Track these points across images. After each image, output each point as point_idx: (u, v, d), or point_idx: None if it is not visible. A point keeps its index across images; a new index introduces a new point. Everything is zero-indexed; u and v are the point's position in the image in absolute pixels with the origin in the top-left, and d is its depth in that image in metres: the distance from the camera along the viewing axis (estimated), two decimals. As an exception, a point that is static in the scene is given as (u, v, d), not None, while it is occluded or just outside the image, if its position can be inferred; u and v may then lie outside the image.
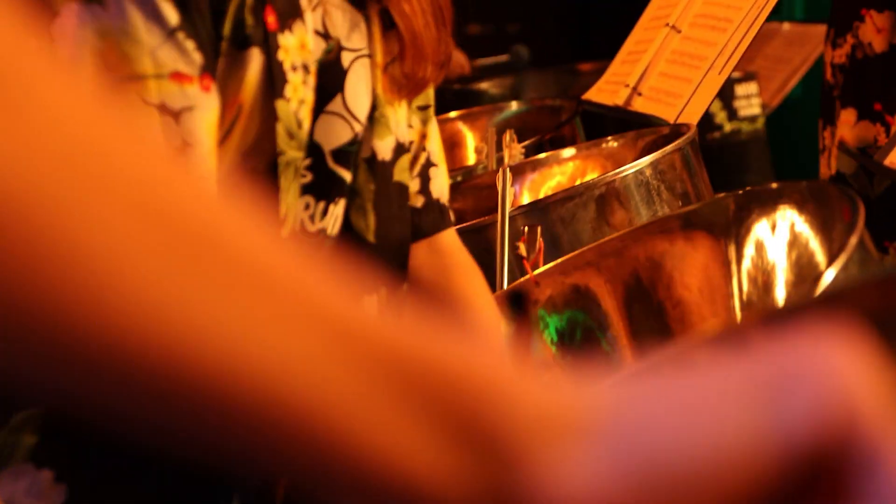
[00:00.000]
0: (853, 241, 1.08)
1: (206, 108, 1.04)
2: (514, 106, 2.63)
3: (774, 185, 1.27)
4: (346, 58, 1.19)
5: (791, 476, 0.42)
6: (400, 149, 1.26)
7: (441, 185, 1.38)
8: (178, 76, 1.02)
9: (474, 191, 2.18)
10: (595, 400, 0.43)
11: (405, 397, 0.41)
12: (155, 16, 1.01)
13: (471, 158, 2.58)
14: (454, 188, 1.71)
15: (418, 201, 1.36)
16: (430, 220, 1.37)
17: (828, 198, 1.22)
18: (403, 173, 1.27)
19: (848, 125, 2.10)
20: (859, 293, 0.71)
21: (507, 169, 1.76)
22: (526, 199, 2.12)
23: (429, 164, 1.37)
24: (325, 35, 1.16)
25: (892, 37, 2.06)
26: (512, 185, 1.78)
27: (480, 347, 0.42)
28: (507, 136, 2.12)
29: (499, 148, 2.14)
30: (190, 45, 1.03)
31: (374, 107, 1.22)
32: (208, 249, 0.39)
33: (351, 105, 1.19)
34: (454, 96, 3.31)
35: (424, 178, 1.36)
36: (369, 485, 0.41)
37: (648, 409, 0.43)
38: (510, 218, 1.73)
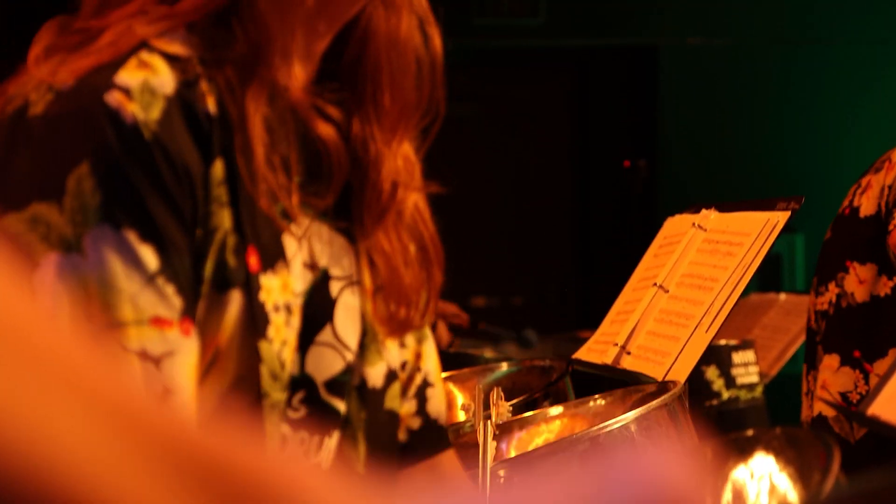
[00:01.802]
0: (828, 486, 1.06)
1: (186, 352, 1.04)
2: (504, 367, 2.62)
3: (750, 433, 1.25)
4: (334, 287, 1.18)
5: None
6: (391, 376, 1.25)
7: (439, 406, 1.36)
8: (158, 321, 1.02)
9: (462, 449, 2.14)
10: None
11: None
12: (134, 262, 1.01)
13: (460, 419, 2.55)
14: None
15: (415, 423, 1.33)
16: (428, 441, 1.34)
17: (804, 444, 1.20)
18: (394, 400, 1.25)
19: (831, 370, 2.11)
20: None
21: (488, 423, 1.74)
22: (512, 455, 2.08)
23: (425, 384, 1.35)
24: (312, 266, 1.17)
25: (873, 288, 2.10)
26: (499, 442, 1.76)
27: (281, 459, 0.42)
28: (494, 394, 2.10)
29: (486, 406, 2.11)
30: (170, 289, 1.03)
31: (364, 333, 1.21)
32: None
33: (341, 334, 1.18)
34: (448, 358, 3.31)
35: (421, 399, 1.34)
36: None
37: None
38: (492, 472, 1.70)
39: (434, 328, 3.86)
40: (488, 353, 3.61)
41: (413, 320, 1.26)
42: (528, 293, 6.46)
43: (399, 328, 1.25)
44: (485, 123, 6.37)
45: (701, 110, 6.22)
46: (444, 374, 2.67)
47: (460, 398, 2.62)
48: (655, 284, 2.24)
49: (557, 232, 6.47)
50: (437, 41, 1.24)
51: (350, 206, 1.21)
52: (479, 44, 6.30)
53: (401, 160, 1.23)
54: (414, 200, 1.26)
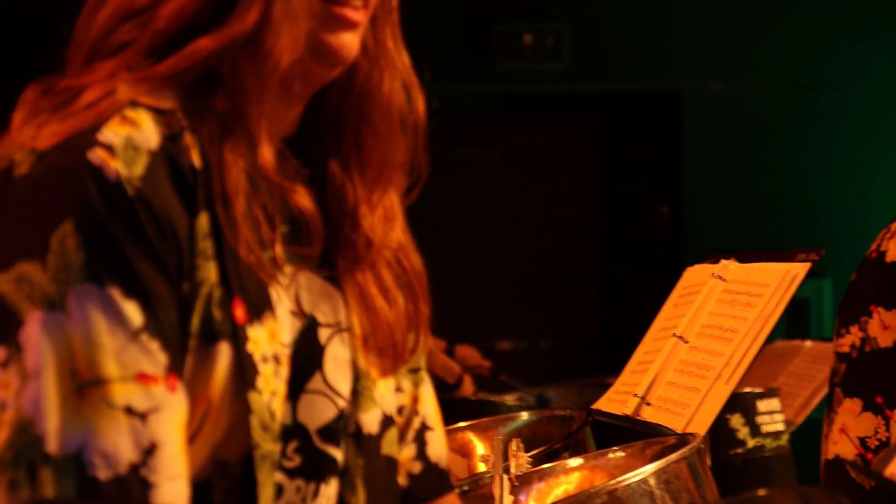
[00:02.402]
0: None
1: (173, 407, 1.04)
2: (524, 416, 2.62)
3: (763, 492, 1.23)
4: (322, 334, 1.18)
5: None
6: (387, 421, 1.25)
7: (439, 449, 1.35)
8: (143, 377, 1.03)
9: (481, 500, 2.13)
10: None
11: None
12: (118, 319, 1.02)
13: (479, 469, 2.55)
14: (461, 497, 1.68)
15: (415, 467, 1.33)
16: (429, 485, 1.33)
17: (818, 503, 1.19)
18: (392, 446, 1.25)
19: (852, 414, 2.10)
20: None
21: (505, 475, 1.73)
22: (530, 508, 2.07)
23: (424, 427, 1.34)
24: (300, 314, 1.16)
25: (897, 333, 2.08)
26: (518, 494, 1.75)
27: None
28: (514, 444, 2.09)
29: (505, 457, 2.10)
30: (154, 345, 1.03)
31: (357, 379, 1.21)
32: None
33: (332, 381, 1.18)
34: (468, 405, 3.30)
35: (420, 443, 1.33)
36: None
37: None
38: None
39: (460, 381, 3.85)
40: (509, 401, 3.60)
41: (402, 357, 1.26)
42: (554, 337, 6.45)
43: (388, 366, 1.25)
44: (509, 168, 6.37)
45: (725, 155, 6.21)
46: (464, 423, 2.67)
47: (480, 447, 2.61)
48: (675, 335, 2.23)
49: (582, 276, 6.45)
50: (420, 105, 1.24)
51: (332, 253, 1.22)
52: (502, 89, 6.31)
53: (381, 214, 1.23)
54: (395, 243, 1.25)
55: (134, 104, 1.08)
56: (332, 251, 1.22)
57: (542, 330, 6.45)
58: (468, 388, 3.78)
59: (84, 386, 1.00)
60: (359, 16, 1.16)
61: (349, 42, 1.16)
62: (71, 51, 1.14)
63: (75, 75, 1.11)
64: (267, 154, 1.11)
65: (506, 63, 6.06)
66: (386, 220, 1.23)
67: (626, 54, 6.15)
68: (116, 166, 1.03)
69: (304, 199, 1.14)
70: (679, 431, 2.07)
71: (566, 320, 6.43)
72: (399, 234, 1.25)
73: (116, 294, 1.02)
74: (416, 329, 1.27)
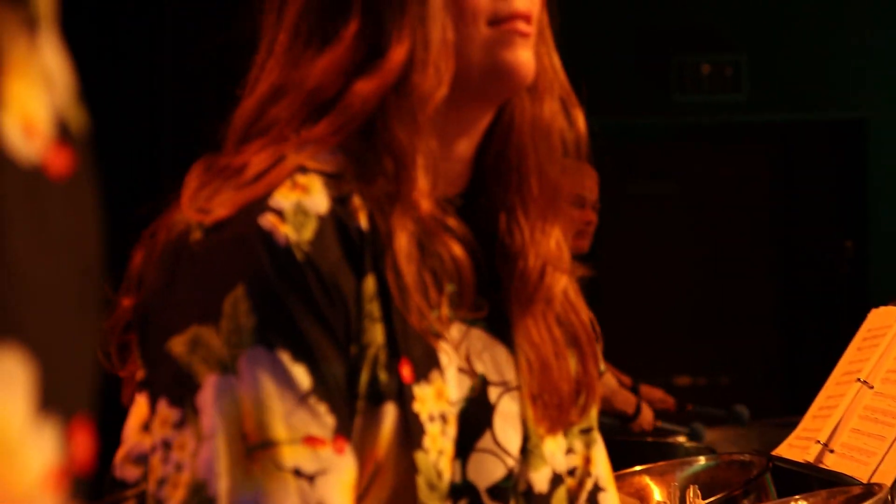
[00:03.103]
0: None
1: (340, 470, 1.05)
2: (702, 460, 2.57)
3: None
4: (492, 393, 1.18)
5: None
6: (557, 480, 1.23)
7: None
8: (311, 440, 1.04)
9: (657, 548, 2.09)
10: None
11: None
12: (287, 382, 1.03)
13: (656, 514, 2.50)
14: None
15: None
16: None
17: None
18: None
19: None
20: None
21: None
22: (708, 558, 2.03)
23: (597, 489, 1.32)
24: (469, 372, 1.16)
25: None
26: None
27: None
28: (691, 491, 2.05)
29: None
30: (322, 408, 1.05)
31: (526, 437, 1.20)
32: None
33: (501, 440, 1.17)
34: (644, 448, 3.26)
35: None
36: None
37: None
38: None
39: (639, 410, 3.80)
40: (686, 443, 3.54)
41: (569, 415, 1.24)
42: (733, 372, 6.32)
43: (555, 423, 1.23)
44: (687, 201, 6.29)
45: (913, 186, 6.01)
46: (640, 467, 2.63)
47: (656, 492, 2.57)
48: (859, 380, 2.16)
49: (761, 312, 6.31)
50: (581, 121, 1.23)
51: (503, 307, 1.21)
52: (680, 121, 6.24)
53: (552, 243, 1.21)
54: (563, 287, 1.23)
55: (303, 169, 1.10)
56: (504, 307, 1.21)
57: (721, 364, 6.33)
58: (648, 416, 3.73)
59: (254, 448, 1.02)
60: (529, 28, 1.16)
61: (526, 58, 1.15)
62: (227, 134, 1.17)
63: (232, 155, 1.13)
64: (425, 204, 1.11)
65: (683, 94, 5.99)
66: (556, 251, 1.22)
67: (807, 83, 6.01)
68: (286, 231, 1.05)
69: (456, 248, 1.14)
70: (864, 481, 2.01)
71: (746, 355, 6.30)
72: (567, 278, 1.24)
73: (285, 358, 1.03)
74: (586, 388, 1.25)
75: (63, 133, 0.54)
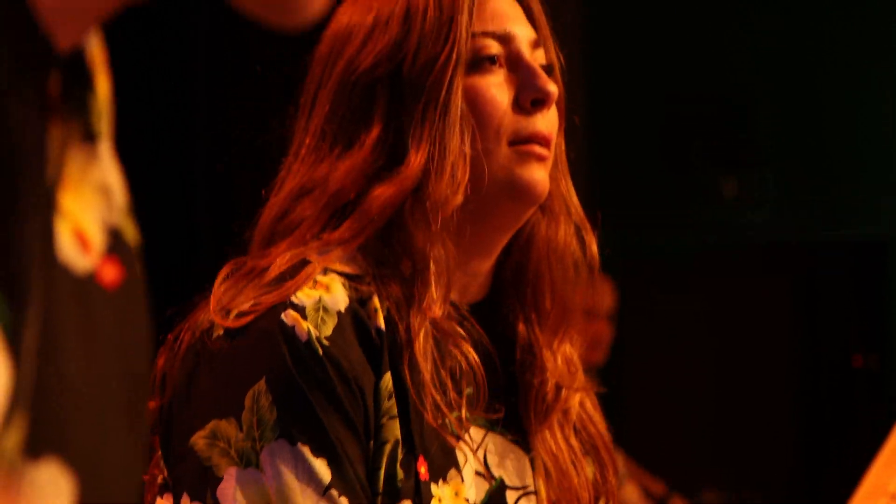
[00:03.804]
0: None
1: None
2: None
3: None
4: (510, 497, 1.19)
5: None
6: None
7: None
8: None
9: None
10: None
11: None
12: (309, 476, 1.05)
13: None
14: None
15: None
16: None
17: None
18: None
19: None
20: None
21: None
22: None
23: None
24: (487, 476, 1.17)
25: None
26: None
27: None
28: None
29: None
30: (343, 501, 1.06)
31: None
32: None
33: None
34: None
35: None
36: None
37: None
38: None
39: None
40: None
41: None
42: (757, 489, 6.25)
43: None
44: (708, 317, 6.28)
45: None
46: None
47: None
48: (888, 496, 2.14)
49: (786, 429, 6.26)
50: (594, 247, 1.26)
51: (519, 410, 1.23)
52: (700, 238, 6.25)
53: (563, 361, 1.24)
54: (579, 400, 1.26)
55: (325, 270, 1.13)
56: (522, 413, 1.23)
57: (745, 482, 6.27)
58: None
59: None
60: (547, 152, 1.20)
61: (541, 177, 1.19)
62: (253, 234, 1.20)
63: (258, 257, 1.16)
64: (436, 310, 1.13)
65: (705, 213, 6.00)
66: (569, 368, 1.25)
67: (828, 202, 6.02)
68: (307, 327, 1.08)
69: (470, 353, 1.16)
70: None
71: (769, 470, 6.23)
72: (581, 381, 1.25)
73: (307, 451, 1.06)
74: (604, 497, 1.26)
75: (115, 244, 0.55)
